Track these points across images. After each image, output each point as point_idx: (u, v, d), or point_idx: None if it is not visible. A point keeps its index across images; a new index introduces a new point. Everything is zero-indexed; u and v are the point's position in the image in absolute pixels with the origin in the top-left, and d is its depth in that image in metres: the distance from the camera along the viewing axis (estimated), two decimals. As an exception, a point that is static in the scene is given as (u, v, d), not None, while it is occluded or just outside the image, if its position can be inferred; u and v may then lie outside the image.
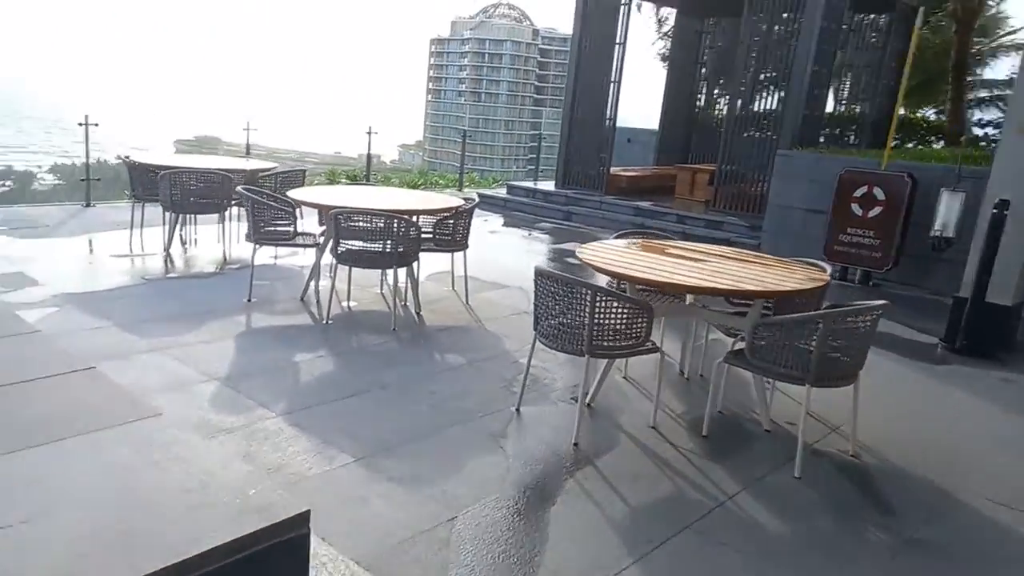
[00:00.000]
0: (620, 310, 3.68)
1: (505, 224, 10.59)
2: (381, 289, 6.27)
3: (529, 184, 12.41)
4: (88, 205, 8.89)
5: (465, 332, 5.45)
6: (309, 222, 6.32)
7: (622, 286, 4.26)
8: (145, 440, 2.15)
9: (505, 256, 8.33)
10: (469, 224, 6.06)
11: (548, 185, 12.22)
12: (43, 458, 2.07)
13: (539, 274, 3.79)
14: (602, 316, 3.62)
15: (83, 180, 8.90)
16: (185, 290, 5.92)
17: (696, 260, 4.27)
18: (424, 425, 3.80)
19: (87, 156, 9.10)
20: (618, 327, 3.71)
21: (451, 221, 5.99)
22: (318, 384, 4.27)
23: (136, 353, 4.41)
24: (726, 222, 9.81)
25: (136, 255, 6.87)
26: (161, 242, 6.89)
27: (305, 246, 5.82)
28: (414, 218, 5.46)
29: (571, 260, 8.47)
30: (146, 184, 7.03)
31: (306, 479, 3.18)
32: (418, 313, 5.72)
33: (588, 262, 4.08)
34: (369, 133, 11.38)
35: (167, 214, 6.77)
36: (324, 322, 5.35)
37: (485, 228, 9.76)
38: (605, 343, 3.69)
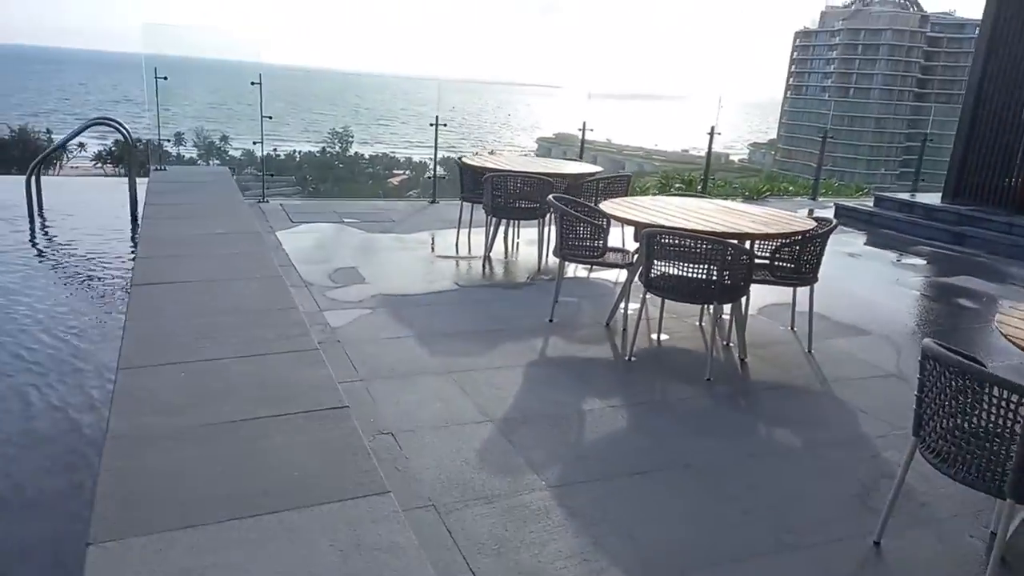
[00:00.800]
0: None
1: (869, 244, 8.72)
2: (700, 320, 5.27)
3: (904, 196, 10.18)
4: (433, 202, 9.31)
5: (804, 395, 4.22)
6: (625, 234, 5.58)
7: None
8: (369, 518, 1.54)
9: (866, 289, 6.68)
10: (821, 252, 4.75)
11: (931, 198, 9.88)
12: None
13: (930, 356, 2.50)
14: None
15: (428, 177, 9.34)
16: (492, 301, 5.60)
17: None
18: (731, 543, 2.77)
19: (435, 153, 9.55)
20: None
21: (797, 246, 4.75)
22: (605, 447, 3.48)
23: (422, 373, 4.08)
24: None
25: (460, 257, 6.82)
26: (485, 244, 6.76)
27: (615, 266, 5.09)
28: (747, 244, 4.38)
29: (964, 303, 6.50)
30: (474, 186, 6.96)
31: (558, 600, 2.41)
32: (742, 360, 4.62)
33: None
34: (711, 134, 10.30)
35: (490, 217, 6.60)
36: (627, 358, 4.55)
37: (842, 249, 8.06)
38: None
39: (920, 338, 4.66)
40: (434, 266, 6.44)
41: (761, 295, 5.32)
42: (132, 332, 3.39)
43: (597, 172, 7.08)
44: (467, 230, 7.21)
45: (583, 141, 10.27)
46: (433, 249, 7.05)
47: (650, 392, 4.12)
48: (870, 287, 6.77)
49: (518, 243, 7.30)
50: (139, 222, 6.14)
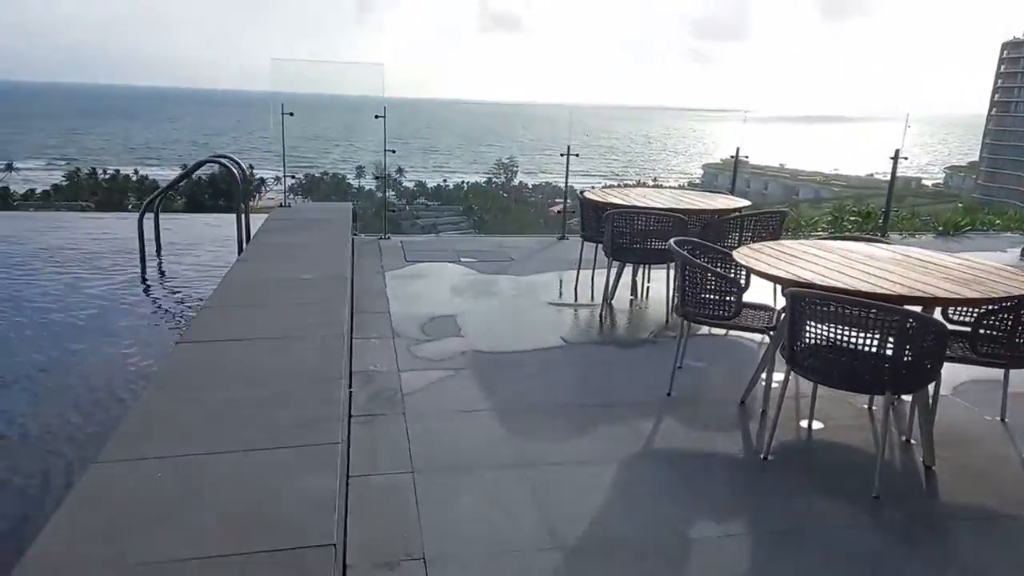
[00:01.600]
0: None
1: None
2: (869, 404, 4.04)
3: None
4: (562, 238, 8.54)
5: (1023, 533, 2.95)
6: (765, 290, 4.48)
7: None
8: None
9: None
10: (1049, 321, 3.42)
11: None
12: None
13: None
14: None
15: (559, 213, 8.59)
16: (600, 363, 4.70)
17: None
18: None
19: (566, 184, 8.80)
20: None
21: (1011, 314, 3.46)
22: (710, 604, 2.48)
23: (487, 466, 3.27)
24: None
25: (574, 305, 5.98)
26: (605, 290, 5.87)
27: (751, 330, 4.01)
28: (938, 310, 3.19)
29: None
30: (597, 223, 6.10)
31: None
32: (928, 467, 3.39)
33: None
34: (895, 158, 8.70)
35: (611, 260, 5.71)
36: (762, 456, 3.47)
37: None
38: None
39: None
40: (542, 316, 5.63)
41: (958, 368, 4.01)
42: (141, 407, 2.89)
43: (742, 207, 5.96)
44: (589, 272, 6.35)
45: (735, 169, 9.07)
46: (547, 294, 6.25)
47: (789, 513, 3.03)
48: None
49: (648, 288, 6.32)
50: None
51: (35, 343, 4.93)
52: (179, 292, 6.29)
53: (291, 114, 7.94)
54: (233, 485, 2.33)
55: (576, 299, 6.13)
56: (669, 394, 4.10)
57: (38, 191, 48.50)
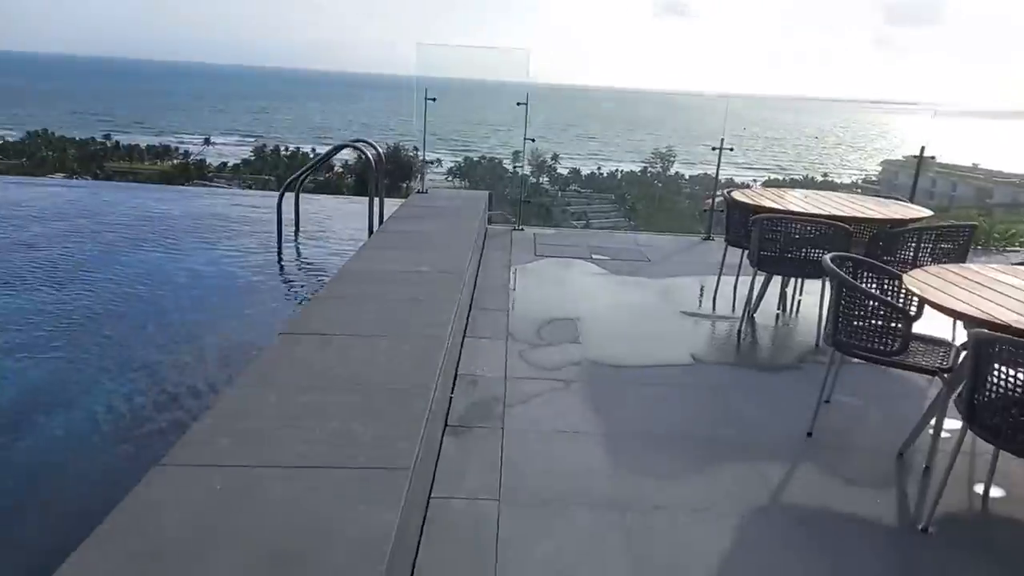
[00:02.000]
0: None
1: None
2: (1073, 474, 3.25)
3: None
4: (707, 238, 7.90)
5: None
6: (943, 318, 3.73)
7: None
8: None
9: None
10: None
11: None
12: None
13: None
14: None
15: (705, 211, 7.96)
16: (732, 388, 4.16)
17: None
18: None
19: (716, 177, 8.11)
20: None
21: None
22: None
23: (581, 503, 2.89)
24: None
25: (711, 316, 5.42)
26: (747, 302, 5.26)
27: (920, 370, 3.33)
28: None
29: None
30: (742, 227, 5.49)
31: None
32: None
33: None
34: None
35: (755, 270, 5.09)
36: (921, 526, 2.84)
37: None
38: None
39: None
40: (672, 326, 5.13)
41: None
42: (220, 406, 2.78)
43: (921, 217, 5.11)
44: (732, 279, 5.75)
45: (918, 169, 7.96)
46: (680, 303, 5.71)
47: (951, 612, 2.42)
48: None
49: (799, 302, 5.62)
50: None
51: (157, 317, 5.15)
52: (307, 276, 6.39)
53: (433, 99, 7.86)
54: (282, 510, 2.12)
55: (714, 309, 5.56)
56: (810, 434, 3.51)
57: (229, 164, 53.33)
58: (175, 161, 53.82)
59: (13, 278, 5.58)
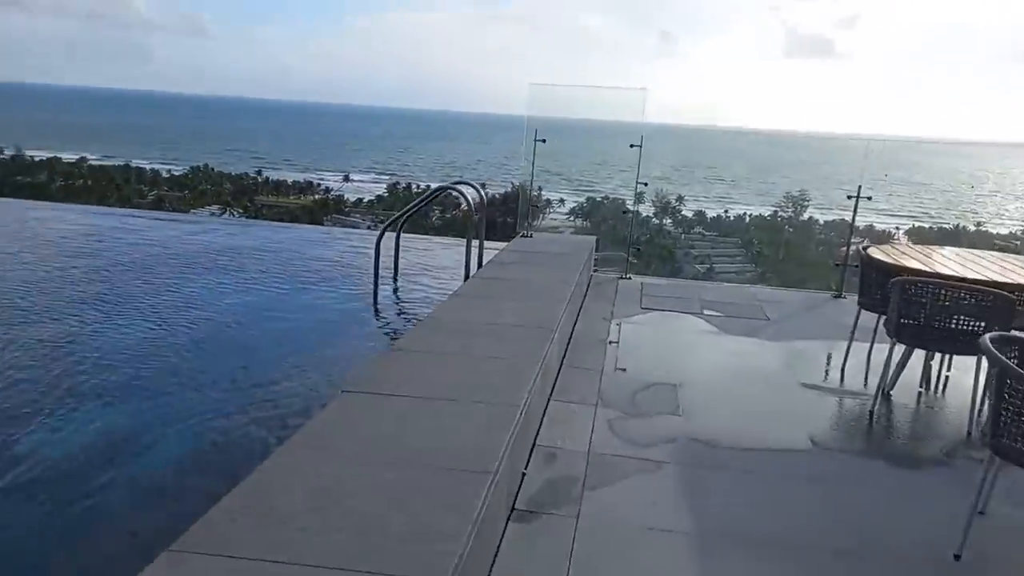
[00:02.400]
0: None
1: None
2: None
3: None
4: (838, 296, 7.10)
5: None
6: None
7: None
8: None
9: None
10: None
11: None
12: None
13: None
14: None
15: (838, 265, 7.17)
16: (860, 485, 3.49)
17: None
18: None
19: (851, 228, 7.31)
20: None
21: None
22: None
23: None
24: None
25: (838, 390, 4.73)
26: (882, 376, 4.54)
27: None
28: None
29: None
30: (878, 289, 4.79)
31: None
32: None
33: None
34: None
35: (894, 341, 4.38)
36: None
37: None
38: None
39: None
40: (790, 401, 4.49)
41: None
42: (257, 474, 2.52)
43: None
44: (866, 347, 5.02)
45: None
46: (801, 373, 5.04)
47: None
48: None
49: (947, 378, 4.81)
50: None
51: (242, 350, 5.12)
52: (392, 323, 6.25)
53: (543, 140, 7.62)
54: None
55: (842, 383, 4.86)
56: (958, 557, 2.83)
57: (364, 200, 56.05)
58: (316, 196, 57.13)
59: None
